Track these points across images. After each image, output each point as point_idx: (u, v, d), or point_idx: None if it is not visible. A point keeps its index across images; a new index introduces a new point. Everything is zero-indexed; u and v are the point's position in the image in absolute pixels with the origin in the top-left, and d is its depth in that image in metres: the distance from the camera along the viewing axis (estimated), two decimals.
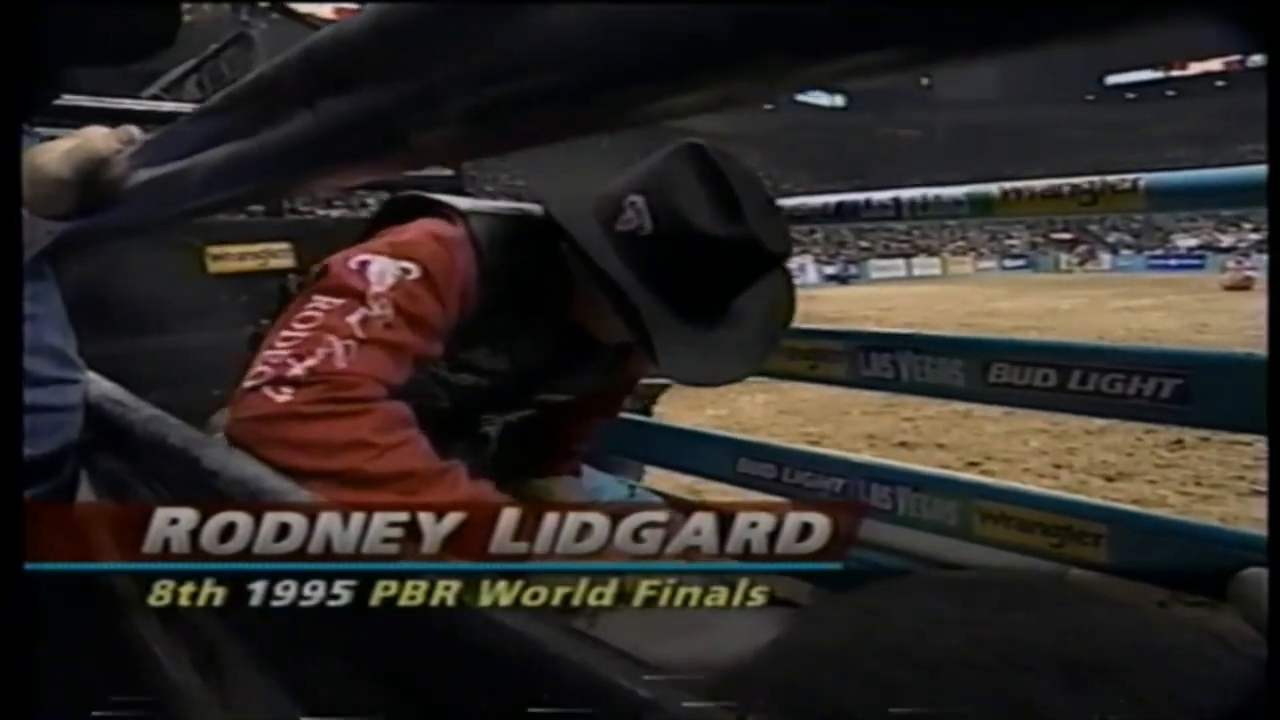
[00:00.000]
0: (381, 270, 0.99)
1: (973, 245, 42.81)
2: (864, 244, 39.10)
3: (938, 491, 1.29)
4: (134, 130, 0.96)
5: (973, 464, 5.18)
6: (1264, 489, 4.48)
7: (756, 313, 1.15)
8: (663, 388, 3.11)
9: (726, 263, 1.05)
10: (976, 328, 13.21)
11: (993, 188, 1.22)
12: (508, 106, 0.31)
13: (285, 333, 0.95)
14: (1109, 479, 4.89)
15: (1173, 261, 37.02)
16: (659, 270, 1.03)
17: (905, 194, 1.30)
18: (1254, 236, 36.37)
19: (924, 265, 38.61)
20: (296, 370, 0.91)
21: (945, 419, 6.18)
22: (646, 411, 2.73)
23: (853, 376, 1.33)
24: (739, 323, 1.12)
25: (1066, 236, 40.82)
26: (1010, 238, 43.01)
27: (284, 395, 0.90)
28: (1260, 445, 4.79)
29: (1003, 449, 5.53)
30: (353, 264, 1.00)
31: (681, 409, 3.15)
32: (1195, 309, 15.95)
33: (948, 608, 0.43)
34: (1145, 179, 1.08)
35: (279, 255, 1.82)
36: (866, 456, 1.48)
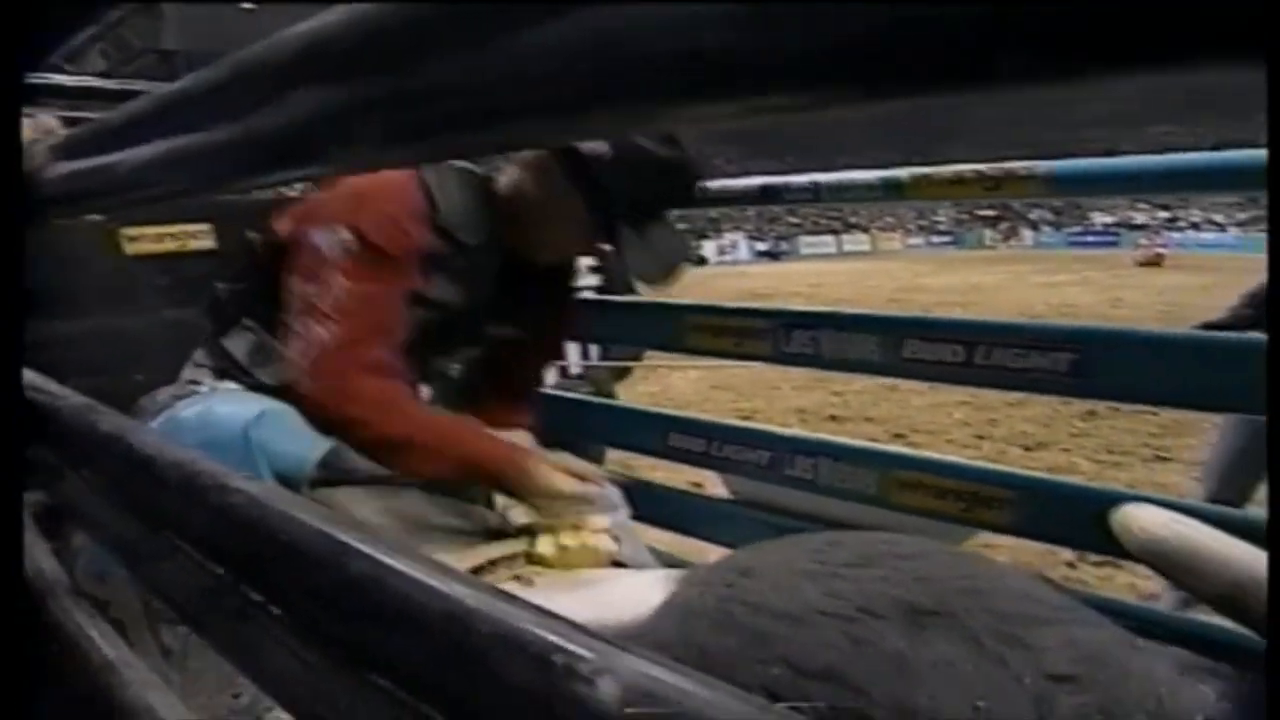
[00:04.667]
0: (331, 242, 1.17)
1: (901, 222, 43.66)
2: (794, 220, 39.54)
3: (857, 462, 1.34)
4: (51, 121, 0.94)
5: (899, 436, 5.33)
6: (1168, 456, 4.74)
7: (672, 230, 1.36)
8: (625, 370, 3.15)
9: (668, 179, 1.28)
10: (905, 303, 13.54)
11: (903, 173, 1.27)
12: (493, 115, 0.32)
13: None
14: (1027, 449, 5.09)
15: (1090, 238, 38.36)
16: (616, 186, 1.25)
17: (822, 178, 1.34)
18: (1163, 215, 37.89)
19: (854, 242, 39.27)
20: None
21: (873, 393, 6.34)
22: (610, 394, 2.77)
23: (776, 353, 1.37)
24: (663, 233, 1.33)
25: (991, 213, 41.94)
26: (937, 214, 43.95)
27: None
28: (1165, 415, 5.04)
29: (928, 421, 5.70)
30: (313, 240, 1.18)
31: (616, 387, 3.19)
32: (1111, 284, 16.59)
33: (810, 566, 0.48)
34: (1043, 166, 1.15)
35: (199, 236, 1.78)
36: (790, 430, 1.53)
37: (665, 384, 6.60)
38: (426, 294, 1.27)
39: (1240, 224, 34.82)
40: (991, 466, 1.26)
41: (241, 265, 1.34)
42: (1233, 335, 1.89)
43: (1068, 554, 3.02)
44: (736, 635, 0.45)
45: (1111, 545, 1.12)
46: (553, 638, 0.27)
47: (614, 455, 2.16)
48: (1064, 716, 0.41)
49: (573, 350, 2.71)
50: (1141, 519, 0.62)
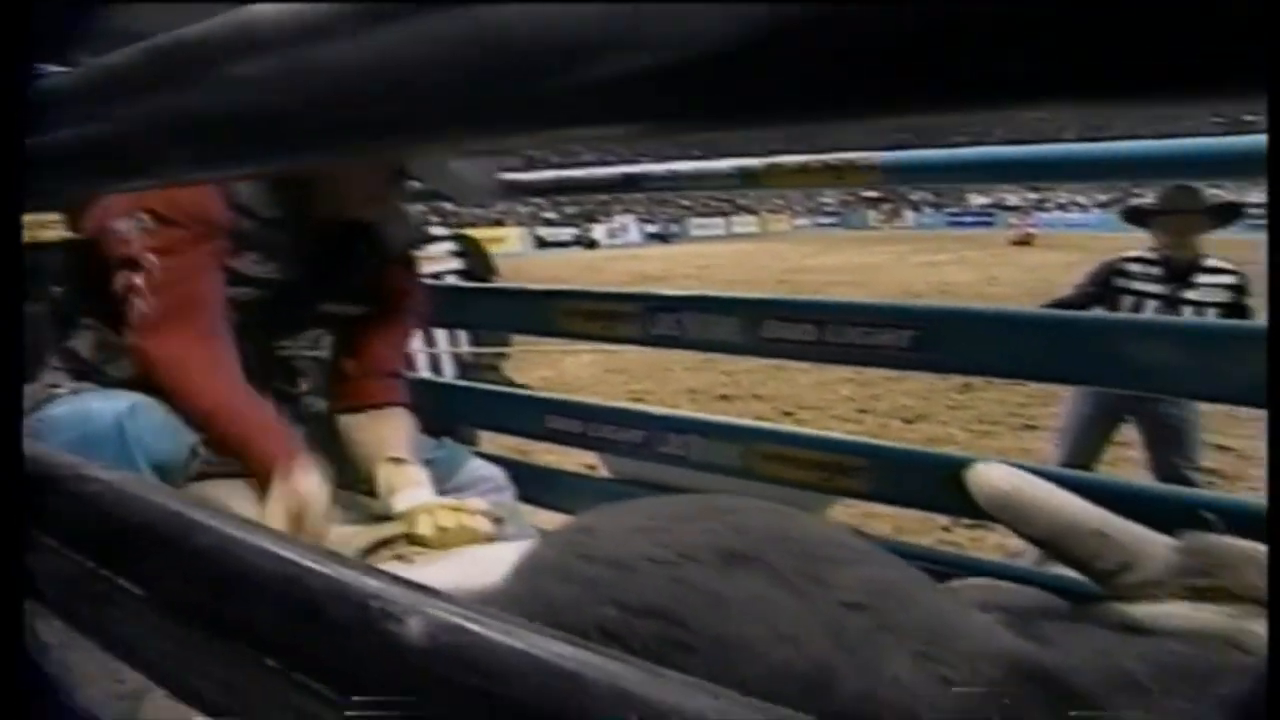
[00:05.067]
0: (132, 228, 1.18)
1: (789, 204, 44.62)
2: (685, 203, 39.91)
3: (724, 438, 1.42)
4: None
5: (787, 414, 5.49)
6: (1034, 424, 5.05)
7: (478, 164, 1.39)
8: (501, 355, 3.17)
9: None
10: (793, 284, 13.89)
11: (757, 162, 1.35)
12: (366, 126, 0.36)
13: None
14: (908, 421, 5.32)
15: (968, 218, 40.23)
16: None
17: (681, 166, 1.41)
18: (1033, 196, 40.03)
19: (743, 223, 39.98)
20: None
21: (762, 372, 6.49)
22: (496, 378, 2.77)
23: (643, 335, 1.43)
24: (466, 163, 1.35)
25: (874, 194, 43.33)
26: (824, 195, 45.10)
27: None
28: (1032, 386, 5.37)
29: (814, 398, 5.88)
30: (117, 230, 1.19)
31: (510, 371, 3.21)
32: (988, 263, 17.42)
33: (641, 521, 0.54)
34: (882, 157, 1.24)
35: (50, 226, 1.71)
36: (661, 409, 1.60)
37: (559, 369, 6.62)
38: (241, 270, 1.27)
39: (1102, 205, 37.14)
40: (847, 437, 1.36)
41: (67, 265, 1.32)
42: (1058, 313, 2.07)
43: (944, 519, 3.20)
44: (575, 584, 0.51)
45: (953, 505, 1.22)
46: (370, 587, 0.31)
47: (510, 440, 2.19)
48: (852, 636, 0.47)
49: (441, 337, 2.70)
50: (990, 476, 0.71)
